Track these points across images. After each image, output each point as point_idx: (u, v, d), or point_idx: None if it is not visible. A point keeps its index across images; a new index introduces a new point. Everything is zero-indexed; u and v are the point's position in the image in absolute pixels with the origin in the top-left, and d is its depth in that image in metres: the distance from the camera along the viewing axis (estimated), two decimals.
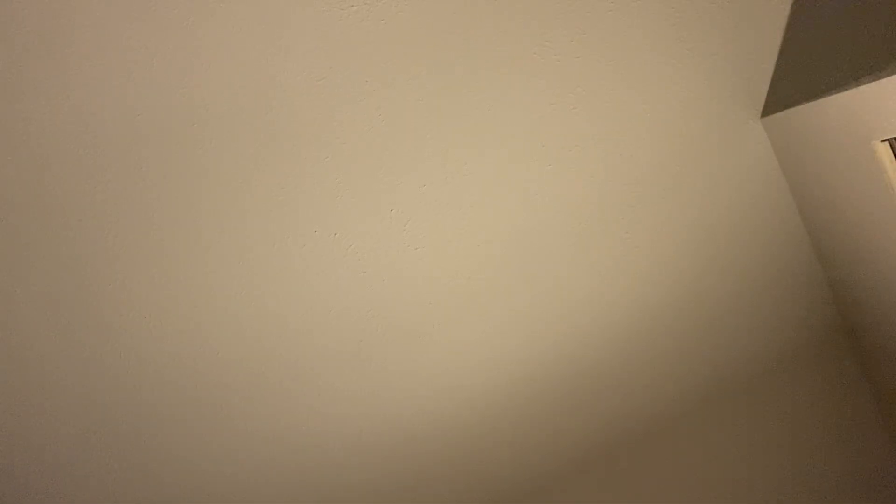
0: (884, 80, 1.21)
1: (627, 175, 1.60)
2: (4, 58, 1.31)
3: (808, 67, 1.60)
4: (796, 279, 1.72)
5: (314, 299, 1.51)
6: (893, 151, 1.31)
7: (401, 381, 1.58)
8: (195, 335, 1.48)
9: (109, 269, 1.42)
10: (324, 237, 1.49)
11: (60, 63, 1.33)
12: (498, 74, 1.50)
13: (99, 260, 1.42)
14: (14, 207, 1.37)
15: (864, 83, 1.27)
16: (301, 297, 1.50)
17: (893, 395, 1.72)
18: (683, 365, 1.70)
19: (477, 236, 1.56)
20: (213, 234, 1.45)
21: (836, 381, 1.77)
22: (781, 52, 1.59)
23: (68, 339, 1.44)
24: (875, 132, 1.30)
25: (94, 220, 1.40)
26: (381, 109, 1.46)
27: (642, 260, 1.64)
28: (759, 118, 1.63)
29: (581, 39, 1.52)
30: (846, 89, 1.33)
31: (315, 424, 1.55)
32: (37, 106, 1.34)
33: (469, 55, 1.48)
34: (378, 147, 1.48)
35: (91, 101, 1.35)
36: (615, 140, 1.58)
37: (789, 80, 1.60)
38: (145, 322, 1.46)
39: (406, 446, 1.60)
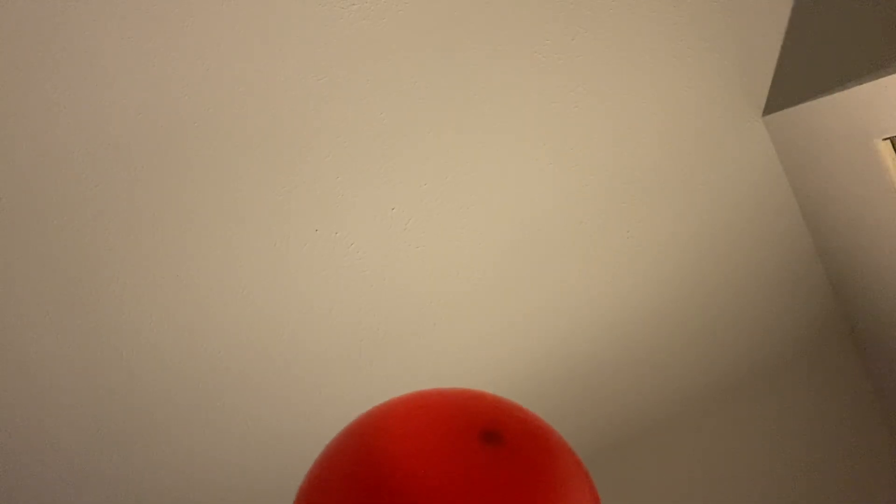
0: (885, 79, 1.21)
1: (629, 174, 1.60)
2: (4, 59, 1.31)
3: (810, 66, 1.59)
4: (797, 277, 1.72)
5: (315, 299, 1.51)
6: (895, 150, 1.31)
7: (402, 382, 1.58)
8: (196, 335, 1.48)
9: (110, 269, 1.42)
10: (324, 236, 1.49)
11: (60, 64, 1.33)
12: (499, 73, 1.50)
13: (100, 260, 1.42)
14: (14, 208, 1.37)
15: (865, 82, 1.27)
16: (301, 296, 1.50)
17: (894, 393, 1.72)
18: (683, 363, 1.70)
19: (478, 235, 1.56)
20: (214, 233, 1.45)
21: (836, 379, 1.77)
22: (783, 51, 1.59)
23: (69, 339, 1.44)
24: (876, 130, 1.30)
25: (94, 219, 1.40)
26: (381, 108, 1.46)
27: (643, 258, 1.64)
28: (761, 117, 1.62)
29: (582, 38, 1.52)
30: (847, 88, 1.33)
31: (315, 427, 1.55)
32: (37, 107, 1.34)
33: (469, 54, 1.48)
34: (379, 146, 1.48)
35: (91, 101, 1.35)
36: (617, 139, 1.57)
37: (791, 78, 1.59)
38: (146, 322, 1.46)
39: None
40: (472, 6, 1.46)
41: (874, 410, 1.79)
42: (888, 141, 1.30)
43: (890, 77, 1.19)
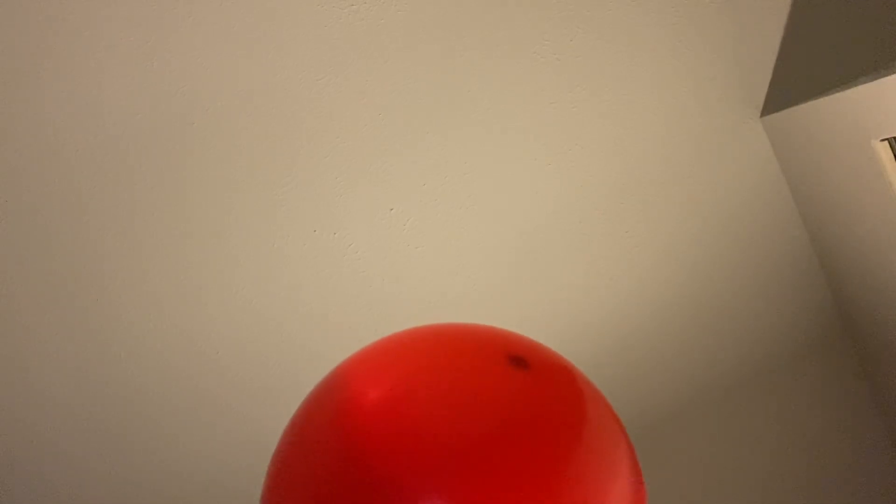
0: (883, 80, 1.21)
1: (627, 174, 1.60)
2: (5, 60, 1.31)
3: (808, 66, 1.59)
4: (795, 278, 1.72)
5: (313, 299, 1.51)
6: (893, 151, 1.31)
7: None
8: (194, 335, 1.48)
9: (109, 271, 1.42)
10: (323, 237, 1.49)
11: (60, 64, 1.33)
12: (497, 74, 1.50)
13: (98, 261, 1.42)
14: (16, 208, 1.37)
15: (864, 82, 1.27)
16: (300, 297, 1.50)
17: (893, 393, 1.72)
18: (681, 363, 1.70)
19: (477, 235, 1.56)
20: (214, 233, 1.45)
21: (835, 380, 1.77)
22: (781, 51, 1.59)
23: (70, 338, 1.44)
24: (874, 131, 1.29)
25: (94, 220, 1.40)
26: (380, 108, 1.46)
27: (642, 259, 1.64)
28: (759, 117, 1.62)
29: (581, 39, 1.52)
30: (846, 88, 1.33)
31: None
32: (38, 107, 1.34)
33: (468, 55, 1.48)
34: (377, 146, 1.48)
35: (91, 101, 1.35)
36: (615, 139, 1.57)
37: (789, 79, 1.59)
38: (144, 323, 1.46)
39: None
40: (470, 7, 1.46)
41: (872, 409, 1.79)
42: (886, 142, 1.30)
43: (889, 78, 1.19)
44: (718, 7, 1.55)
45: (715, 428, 1.73)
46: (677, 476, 1.73)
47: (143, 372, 1.48)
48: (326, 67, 1.43)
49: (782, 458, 1.76)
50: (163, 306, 1.46)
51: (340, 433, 0.64)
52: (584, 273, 1.62)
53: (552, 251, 1.60)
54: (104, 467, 1.51)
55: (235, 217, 1.45)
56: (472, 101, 1.50)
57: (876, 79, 1.23)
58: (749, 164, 1.65)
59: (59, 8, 1.31)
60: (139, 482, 1.53)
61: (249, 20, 1.38)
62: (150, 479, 1.53)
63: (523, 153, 1.54)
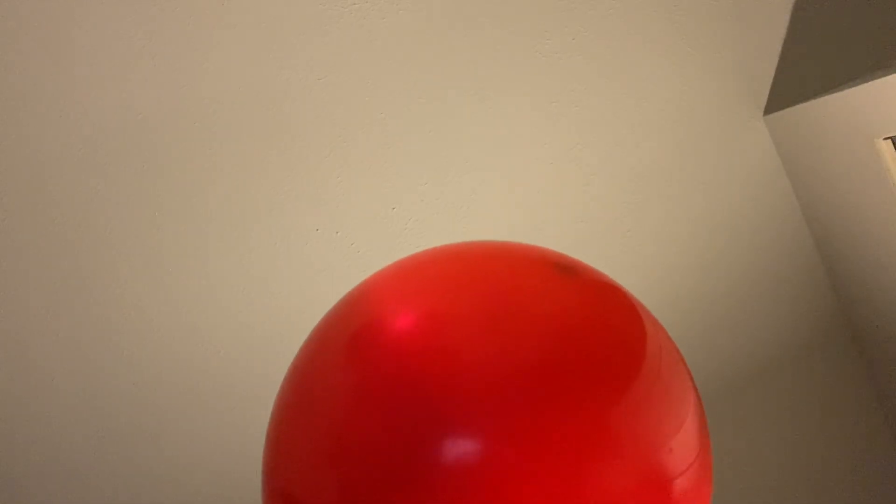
0: (886, 78, 1.20)
1: (629, 173, 1.59)
2: (5, 59, 1.31)
3: (811, 65, 1.59)
4: (798, 277, 1.72)
5: (315, 298, 1.51)
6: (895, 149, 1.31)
7: None
8: (197, 335, 1.48)
9: (112, 269, 1.42)
10: (325, 236, 1.49)
11: (61, 64, 1.33)
12: (498, 72, 1.50)
13: (101, 260, 1.42)
14: (16, 209, 1.37)
15: (867, 81, 1.27)
16: (301, 296, 1.50)
17: (895, 391, 1.72)
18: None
19: (478, 235, 1.56)
20: (215, 233, 1.45)
21: (837, 379, 1.76)
22: (784, 50, 1.59)
23: (71, 340, 1.44)
24: (877, 130, 1.29)
25: (95, 220, 1.40)
26: (381, 108, 1.46)
27: (643, 258, 1.64)
28: (762, 116, 1.62)
29: (582, 37, 1.51)
30: (849, 87, 1.33)
31: None
32: (38, 107, 1.34)
33: (469, 53, 1.48)
34: (379, 145, 1.48)
35: (92, 101, 1.36)
36: (617, 138, 1.57)
37: (792, 77, 1.59)
38: (147, 322, 1.46)
39: None
40: (471, 7, 1.46)
41: (875, 409, 1.79)
42: (889, 140, 1.30)
43: (890, 77, 1.19)
44: (721, 6, 1.55)
45: (716, 427, 1.73)
46: None
47: (142, 374, 1.48)
48: (328, 67, 1.43)
49: (784, 456, 1.76)
50: (165, 306, 1.46)
51: (359, 357, 0.55)
52: None
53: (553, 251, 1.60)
54: (105, 468, 1.51)
55: (237, 217, 1.45)
56: (474, 100, 1.50)
57: (878, 77, 1.23)
58: (752, 162, 1.64)
59: (59, 7, 1.31)
60: (140, 483, 1.53)
61: (250, 20, 1.38)
62: (151, 481, 1.53)
63: (524, 152, 1.54)
